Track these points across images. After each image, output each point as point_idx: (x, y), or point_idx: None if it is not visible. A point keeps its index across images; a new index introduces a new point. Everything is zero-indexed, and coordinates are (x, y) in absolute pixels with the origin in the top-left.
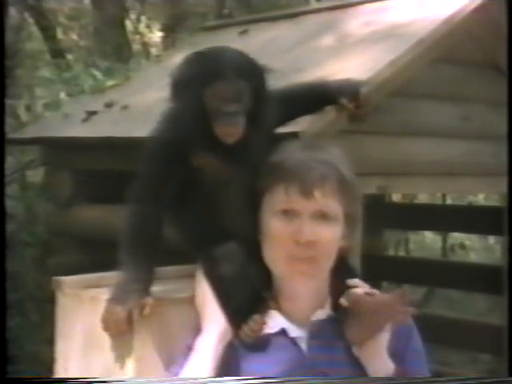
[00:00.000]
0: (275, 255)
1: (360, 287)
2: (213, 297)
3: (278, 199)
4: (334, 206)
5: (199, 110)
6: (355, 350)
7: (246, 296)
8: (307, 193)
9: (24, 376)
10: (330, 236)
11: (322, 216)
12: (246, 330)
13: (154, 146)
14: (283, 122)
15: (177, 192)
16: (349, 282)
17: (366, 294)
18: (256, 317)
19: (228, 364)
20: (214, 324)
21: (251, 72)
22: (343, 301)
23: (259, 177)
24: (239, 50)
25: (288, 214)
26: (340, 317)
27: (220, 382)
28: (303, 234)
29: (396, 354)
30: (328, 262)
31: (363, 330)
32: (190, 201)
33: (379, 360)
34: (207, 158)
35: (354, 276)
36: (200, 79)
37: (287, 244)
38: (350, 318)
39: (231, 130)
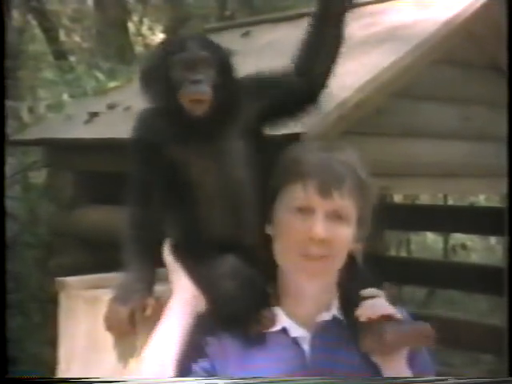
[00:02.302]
0: (288, 252)
1: (375, 297)
2: (179, 268)
3: (294, 196)
4: (349, 207)
5: (166, 84)
6: (374, 358)
7: (246, 300)
8: (325, 192)
9: (24, 376)
10: (344, 237)
11: (337, 216)
12: (257, 326)
13: (131, 148)
14: (263, 114)
15: (164, 190)
16: (364, 293)
17: (384, 314)
18: (265, 312)
19: (227, 357)
20: (181, 292)
21: (215, 49)
22: (359, 315)
23: (273, 174)
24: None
25: (304, 211)
26: (352, 324)
27: (219, 381)
28: (318, 231)
29: None
30: (339, 263)
31: (380, 348)
32: (174, 197)
33: (397, 368)
34: (178, 148)
35: (364, 279)
36: (164, 58)
37: (301, 241)
38: (367, 332)
39: (197, 97)
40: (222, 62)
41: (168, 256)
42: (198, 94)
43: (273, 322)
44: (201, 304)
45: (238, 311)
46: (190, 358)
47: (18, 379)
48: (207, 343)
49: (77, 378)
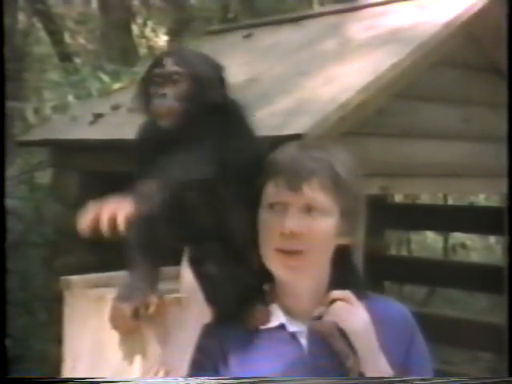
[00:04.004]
0: (266, 249)
1: (343, 300)
2: (192, 280)
3: (268, 194)
4: (323, 200)
5: (145, 98)
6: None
7: (237, 291)
8: (294, 186)
9: (25, 376)
10: (319, 229)
11: (310, 209)
12: (252, 320)
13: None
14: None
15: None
16: (333, 295)
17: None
18: (259, 307)
19: (225, 356)
20: (192, 303)
21: (190, 64)
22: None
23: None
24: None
25: (276, 207)
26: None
27: (221, 381)
28: (287, 224)
29: (397, 360)
30: (319, 257)
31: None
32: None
33: (374, 362)
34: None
35: (356, 275)
36: (146, 73)
37: (274, 236)
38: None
39: (159, 110)
40: (196, 76)
41: (184, 267)
42: (162, 107)
43: (267, 316)
44: (208, 316)
45: (232, 306)
46: (197, 365)
47: (20, 379)
48: (212, 350)
49: (79, 379)
